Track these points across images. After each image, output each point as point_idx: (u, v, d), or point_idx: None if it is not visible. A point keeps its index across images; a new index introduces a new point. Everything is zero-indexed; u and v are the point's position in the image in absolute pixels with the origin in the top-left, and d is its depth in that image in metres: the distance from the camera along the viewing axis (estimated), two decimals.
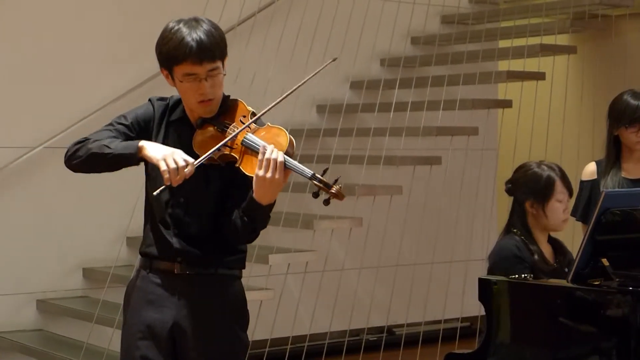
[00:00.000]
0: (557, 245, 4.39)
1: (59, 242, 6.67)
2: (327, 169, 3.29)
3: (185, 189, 3.41)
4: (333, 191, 3.25)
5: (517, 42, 7.37)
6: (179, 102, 3.55)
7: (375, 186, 6.62)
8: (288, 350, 6.23)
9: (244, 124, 3.40)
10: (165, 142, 3.46)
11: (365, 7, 7.22)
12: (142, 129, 3.50)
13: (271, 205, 3.36)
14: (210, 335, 3.47)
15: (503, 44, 7.71)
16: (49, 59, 6.64)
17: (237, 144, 3.38)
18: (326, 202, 3.27)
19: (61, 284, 6.71)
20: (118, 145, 3.37)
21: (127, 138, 3.46)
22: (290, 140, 3.37)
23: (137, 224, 3.70)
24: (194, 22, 3.40)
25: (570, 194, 4.35)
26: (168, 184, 3.27)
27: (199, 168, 3.34)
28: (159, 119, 3.53)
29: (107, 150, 3.36)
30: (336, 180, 3.28)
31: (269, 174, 3.25)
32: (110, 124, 3.51)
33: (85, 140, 3.43)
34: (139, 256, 3.60)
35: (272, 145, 3.29)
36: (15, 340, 6.38)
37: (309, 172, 3.28)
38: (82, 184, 6.58)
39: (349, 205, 6.62)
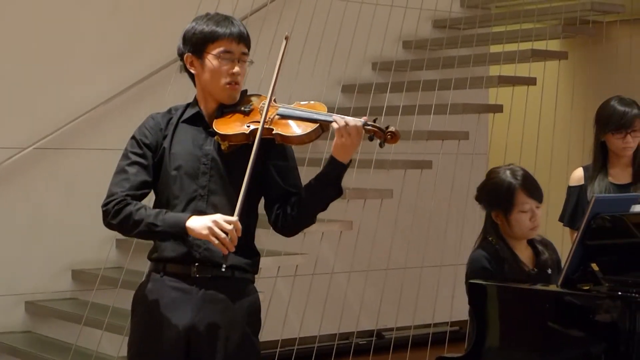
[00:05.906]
0: (536, 249, 4.21)
1: (48, 243, 6.66)
2: (376, 118, 3.50)
3: (206, 183, 3.47)
4: (391, 129, 3.46)
5: (508, 47, 7.39)
6: (186, 105, 3.63)
7: (366, 189, 6.62)
8: (277, 353, 6.22)
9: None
10: (175, 140, 3.54)
11: (357, 11, 7.22)
12: (153, 145, 3.56)
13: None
14: (224, 339, 3.49)
15: (494, 49, 7.73)
16: (40, 59, 6.63)
17: (270, 118, 3.51)
18: (381, 145, 3.48)
19: (50, 286, 6.69)
20: (165, 223, 3.42)
21: (148, 165, 3.53)
22: None
23: None
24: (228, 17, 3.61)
25: (539, 201, 4.14)
26: (227, 253, 3.36)
27: (218, 160, 3.49)
28: (165, 126, 3.57)
29: (155, 229, 3.43)
30: (388, 126, 3.47)
31: (353, 139, 3.46)
32: (127, 157, 3.55)
33: (124, 202, 3.50)
34: (149, 262, 3.60)
35: (338, 115, 3.48)
36: (4, 342, 6.36)
37: (361, 120, 3.47)
38: (72, 186, 6.59)
39: (339, 208, 6.62)
